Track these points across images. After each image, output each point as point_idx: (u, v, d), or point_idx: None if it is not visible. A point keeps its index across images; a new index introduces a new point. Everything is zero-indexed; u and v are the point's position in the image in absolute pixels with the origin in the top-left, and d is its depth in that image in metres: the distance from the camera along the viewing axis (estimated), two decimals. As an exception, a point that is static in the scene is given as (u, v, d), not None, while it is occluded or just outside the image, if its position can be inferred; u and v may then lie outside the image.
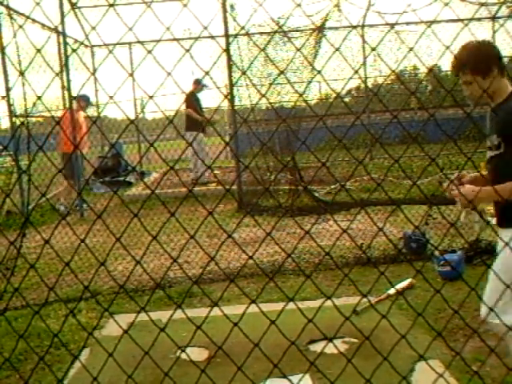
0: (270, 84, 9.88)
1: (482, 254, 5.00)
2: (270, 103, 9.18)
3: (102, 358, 1.88)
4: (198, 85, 11.01)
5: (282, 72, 1.93)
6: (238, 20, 8.63)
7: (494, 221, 2.79)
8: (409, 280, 4.51)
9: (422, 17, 16.85)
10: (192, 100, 10.81)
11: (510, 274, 2.42)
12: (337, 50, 1.63)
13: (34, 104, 8.26)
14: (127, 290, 4.79)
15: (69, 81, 9.04)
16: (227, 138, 10.23)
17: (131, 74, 1.69)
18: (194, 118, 10.67)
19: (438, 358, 3.24)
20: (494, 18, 13.01)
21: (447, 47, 1.65)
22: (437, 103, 13.09)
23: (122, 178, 11.63)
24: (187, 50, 1.61)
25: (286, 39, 9.80)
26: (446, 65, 12.87)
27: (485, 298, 2.64)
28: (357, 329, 2.12)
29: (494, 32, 13.12)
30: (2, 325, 4.14)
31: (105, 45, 11.98)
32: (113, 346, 1.89)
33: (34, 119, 9.69)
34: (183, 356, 3.31)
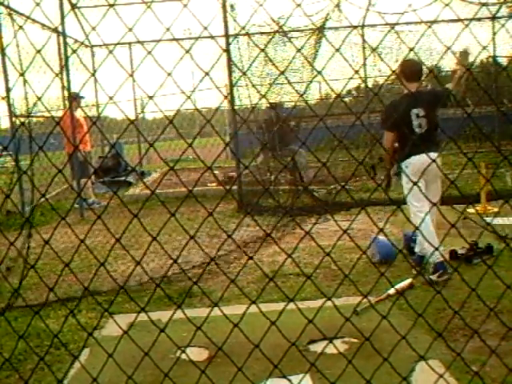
0: (270, 84, 9.88)
1: (482, 254, 5.01)
2: (270, 103, 9.19)
3: (102, 359, 1.88)
4: None
5: (282, 72, 1.93)
6: (237, 20, 8.64)
7: (495, 221, 2.81)
8: (409, 280, 4.51)
9: (422, 17, 16.85)
10: None
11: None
12: (337, 50, 1.62)
13: (35, 104, 8.26)
14: (127, 291, 4.78)
15: (69, 81, 9.04)
16: (227, 138, 10.20)
17: (131, 74, 1.69)
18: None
19: (438, 358, 3.24)
20: (494, 18, 12.99)
21: (448, 47, 1.65)
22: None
23: (122, 178, 11.64)
24: (187, 51, 1.61)
25: (286, 39, 9.81)
26: (447, 65, 12.85)
27: None
28: (357, 329, 2.12)
29: (495, 32, 13.10)
30: (1, 325, 4.14)
31: (105, 45, 11.98)
32: (113, 346, 1.89)
33: (34, 119, 9.70)
34: (183, 356, 3.30)
